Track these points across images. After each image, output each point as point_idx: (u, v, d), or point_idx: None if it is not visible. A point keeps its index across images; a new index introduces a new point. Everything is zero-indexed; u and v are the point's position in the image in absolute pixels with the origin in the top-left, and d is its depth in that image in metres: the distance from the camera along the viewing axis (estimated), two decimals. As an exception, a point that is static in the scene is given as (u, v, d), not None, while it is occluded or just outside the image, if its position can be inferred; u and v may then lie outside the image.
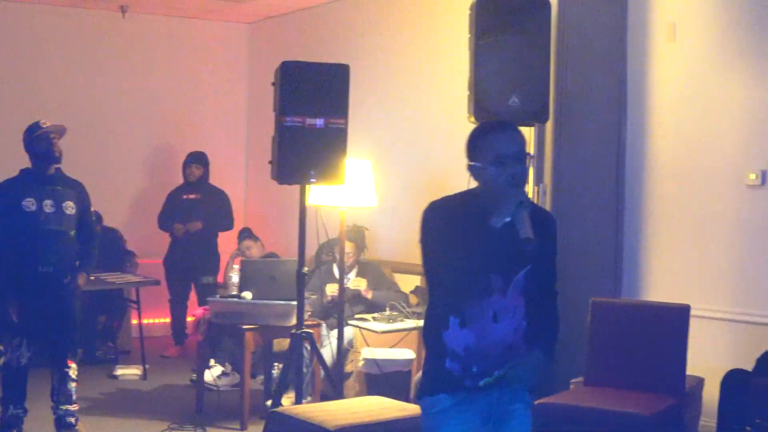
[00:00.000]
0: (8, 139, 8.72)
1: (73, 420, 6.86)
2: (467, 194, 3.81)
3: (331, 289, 8.03)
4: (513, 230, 3.57)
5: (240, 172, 11.93)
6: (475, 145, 3.72)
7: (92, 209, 7.09)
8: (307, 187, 6.62)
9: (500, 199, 3.62)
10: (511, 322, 3.74)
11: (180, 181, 10.47)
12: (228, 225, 10.27)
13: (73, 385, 6.83)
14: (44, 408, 7.03)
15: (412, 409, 5.72)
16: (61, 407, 6.84)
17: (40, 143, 6.78)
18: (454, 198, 3.84)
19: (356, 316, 7.84)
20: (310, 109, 6.45)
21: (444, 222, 3.73)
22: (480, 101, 6.62)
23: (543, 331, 3.82)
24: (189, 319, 10.18)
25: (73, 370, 6.83)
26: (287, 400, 7.16)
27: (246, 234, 9.72)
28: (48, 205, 6.73)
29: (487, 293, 3.70)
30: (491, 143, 3.64)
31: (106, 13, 11.12)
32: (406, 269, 8.74)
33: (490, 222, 3.62)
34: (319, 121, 6.46)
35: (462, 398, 3.76)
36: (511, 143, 3.64)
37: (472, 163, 3.71)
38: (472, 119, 6.64)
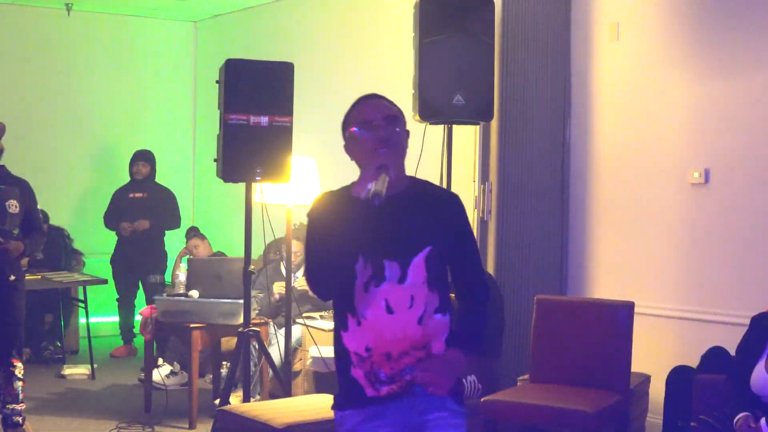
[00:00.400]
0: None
1: (20, 419, 6.82)
2: (351, 183, 3.54)
3: (279, 288, 8.03)
4: (398, 210, 3.40)
5: (187, 171, 11.91)
6: (346, 119, 3.62)
7: (38, 208, 7.03)
8: (252, 185, 6.62)
9: (364, 168, 3.45)
10: (410, 312, 3.40)
11: (126, 179, 10.43)
12: (175, 224, 10.25)
13: (19, 384, 6.79)
14: (-10, 407, 7.00)
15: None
16: (7, 406, 6.80)
17: None
18: (339, 189, 3.59)
19: (304, 314, 7.84)
20: (255, 107, 6.46)
21: (327, 212, 3.46)
22: (425, 100, 6.65)
23: (463, 327, 3.53)
24: (137, 318, 10.16)
25: (18, 369, 6.79)
26: (235, 399, 7.16)
27: (193, 233, 9.71)
28: (12, 206, 6.68)
29: (376, 282, 3.40)
30: (360, 111, 3.56)
31: (51, 10, 11.06)
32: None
33: (368, 203, 3.31)
34: (264, 119, 6.46)
35: (370, 412, 3.46)
36: (377, 109, 3.53)
37: (346, 134, 3.57)
38: (417, 118, 6.68)
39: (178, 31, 12.02)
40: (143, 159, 10.35)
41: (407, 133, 3.55)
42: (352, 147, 3.56)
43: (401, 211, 3.44)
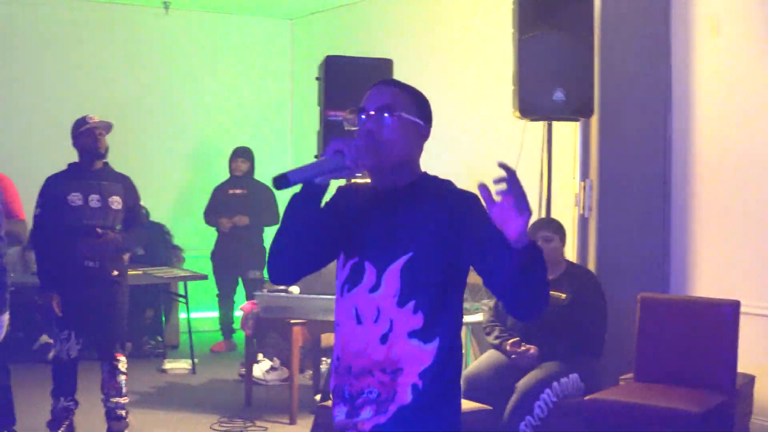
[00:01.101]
0: (54, 133, 8.84)
1: (123, 413, 6.91)
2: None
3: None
4: (390, 207, 3.10)
5: (284, 167, 11.92)
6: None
7: (141, 203, 7.10)
8: (353, 181, 6.62)
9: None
10: (374, 327, 3.01)
11: (225, 176, 10.51)
12: (273, 220, 10.28)
13: (122, 378, 6.88)
14: (94, 400, 7.09)
15: (462, 404, 5.73)
16: (111, 400, 6.88)
17: (85, 138, 6.79)
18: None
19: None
20: (355, 104, 6.45)
21: (336, 197, 3.25)
22: (524, 96, 6.63)
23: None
24: (236, 313, 10.27)
25: (122, 363, 6.87)
26: (334, 394, 7.18)
27: None
28: (94, 200, 6.74)
29: (349, 286, 3.09)
30: (365, 96, 3.21)
31: (149, 9, 11.18)
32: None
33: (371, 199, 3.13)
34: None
35: None
36: (374, 99, 3.15)
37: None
38: (517, 114, 6.66)
39: (274, 28, 12.07)
40: (242, 156, 10.41)
41: (410, 122, 3.13)
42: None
43: (393, 209, 3.10)
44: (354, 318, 3.05)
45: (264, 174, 10.62)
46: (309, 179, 3.02)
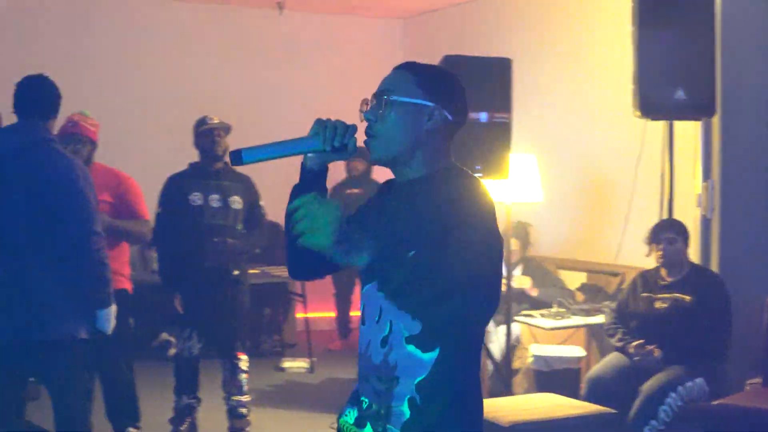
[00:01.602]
0: (173, 133, 8.96)
1: (245, 411, 6.97)
2: None
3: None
4: (400, 200, 2.88)
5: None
6: None
7: (262, 203, 7.12)
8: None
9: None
10: (372, 328, 2.86)
11: (342, 176, 10.56)
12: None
13: (244, 376, 6.94)
14: (216, 398, 7.18)
15: (584, 407, 5.72)
16: (233, 398, 6.94)
17: (203, 139, 6.87)
18: None
19: (521, 312, 7.81)
20: (474, 103, 6.40)
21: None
22: (645, 96, 6.55)
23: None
24: (353, 313, 10.34)
25: (243, 361, 6.93)
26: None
27: None
28: (214, 200, 6.81)
29: (363, 281, 2.92)
30: None
31: (262, 10, 11.28)
32: (571, 266, 8.71)
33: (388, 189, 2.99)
34: (483, 116, 6.46)
35: None
36: (383, 82, 3.00)
37: None
38: (638, 114, 6.58)
39: (387, 28, 12.11)
40: (359, 156, 10.41)
41: (409, 105, 2.89)
42: None
43: (401, 204, 2.88)
44: (362, 316, 2.92)
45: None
46: (268, 157, 2.99)
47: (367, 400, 2.90)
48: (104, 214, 6.10)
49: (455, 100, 2.91)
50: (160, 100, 10.77)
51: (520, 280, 8.05)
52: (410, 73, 2.94)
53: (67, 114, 6.13)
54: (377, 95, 2.94)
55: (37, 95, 5.23)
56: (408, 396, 2.77)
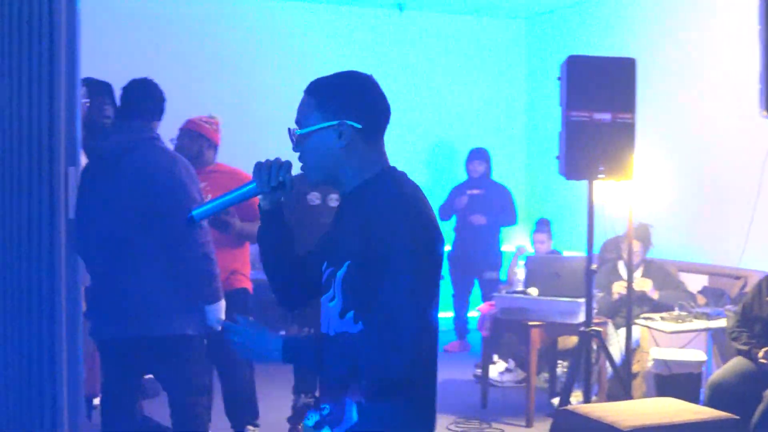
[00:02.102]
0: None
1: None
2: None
3: (618, 287, 7.89)
4: (339, 216, 3.08)
5: (520, 168, 11.88)
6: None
7: None
8: (593, 182, 6.52)
9: None
10: (323, 333, 3.00)
11: (461, 177, 10.49)
12: (511, 220, 10.23)
13: (361, 375, 6.91)
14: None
15: (706, 412, 5.58)
16: (348, 398, 6.92)
17: None
18: None
19: (642, 315, 7.68)
20: (598, 104, 6.36)
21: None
22: (774, 96, 6.37)
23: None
24: (471, 314, 10.26)
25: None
26: (573, 399, 7.09)
27: (544, 226, 9.56)
28: (333, 199, 6.79)
29: (324, 288, 3.04)
30: None
31: (384, 10, 11.28)
32: (693, 269, 8.54)
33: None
34: (607, 116, 6.36)
35: None
36: (297, 112, 3.11)
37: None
38: (765, 113, 6.41)
39: (510, 28, 12.02)
40: (479, 157, 10.37)
41: (313, 134, 2.99)
42: None
43: (339, 217, 3.09)
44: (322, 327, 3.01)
45: (500, 175, 10.59)
46: (216, 210, 3.19)
47: (327, 406, 2.97)
48: (236, 218, 6.15)
49: (360, 104, 2.98)
50: (282, 100, 10.80)
51: (641, 283, 7.90)
52: (310, 96, 3.03)
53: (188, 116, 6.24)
54: (288, 131, 3.04)
55: (142, 97, 5.29)
56: (356, 401, 2.86)
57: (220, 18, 10.80)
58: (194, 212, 3.14)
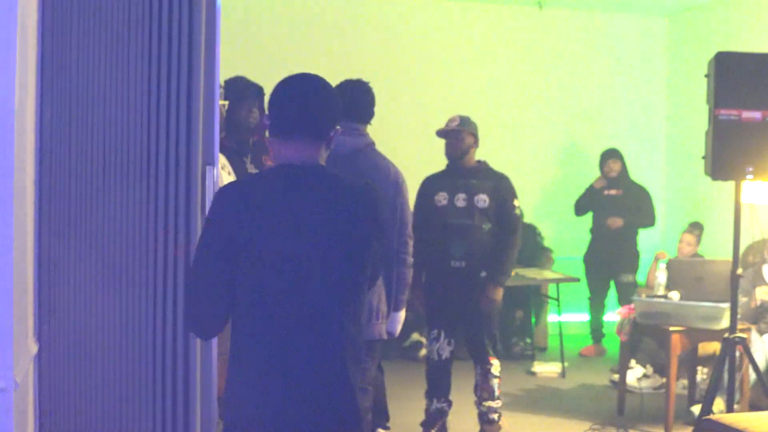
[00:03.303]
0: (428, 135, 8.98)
1: (495, 416, 6.85)
2: None
3: (763, 293, 7.63)
4: None
5: (658, 168, 11.62)
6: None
7: (515, 203, 6.94)
8: (741, 183, 6.29)
9: None
10: None
11: (594, 177, 10.28)
12: (649, 222, 9.97)
13: (495, 381, 6.82)
14: (468, 401, 7.08)
15: None
16: (483, 403, 6.84)
17: (445, 140, 6.92)
18: None
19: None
20: (747, 102, 6.12)
21: None
22: None
23: None
24: (607, 317, 10.06)
25: (494, 366, 6.81)
26: (714, 407, 6.86)
27: (694, 229, 9.31)
28: (460, 199, 6.75)
29: None
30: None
31: (523, 8, 11.14)
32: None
33: None
34: (757, 114, 6.12)
35: None
36: None
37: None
38: None
39: (649, 26, 11.76)
40: (612, 156, 10.12)
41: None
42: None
43: None
44: None
45: (636, 174, 10.36)
46: None
47: None
48: None
49: (271, 106, 3.33)
50: (422, 98, 10.78)
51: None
52: None
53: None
54: None
55: (357, 100, 5.39)
56: None
57: (363, 15, 10.82)
58: None
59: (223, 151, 5.71)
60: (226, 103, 5.97)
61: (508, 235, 6.82)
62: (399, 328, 5.71)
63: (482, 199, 6.75)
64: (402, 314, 5.62)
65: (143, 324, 4.68)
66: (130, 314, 4.61)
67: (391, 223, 5.30)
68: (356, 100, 5.36)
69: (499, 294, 6.77)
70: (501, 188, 6.85)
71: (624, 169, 10.13)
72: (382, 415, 6.64)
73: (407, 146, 10.19)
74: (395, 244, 5.34)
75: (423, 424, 6.93)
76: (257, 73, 6.48)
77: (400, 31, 10.88)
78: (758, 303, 7.64)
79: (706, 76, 6.28)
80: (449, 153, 6.87)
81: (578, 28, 11.53)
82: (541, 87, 11.29)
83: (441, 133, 6.86)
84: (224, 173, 5.42)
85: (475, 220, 6.73)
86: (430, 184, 6.92)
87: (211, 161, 4.94)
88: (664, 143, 11.70)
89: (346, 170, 5.07)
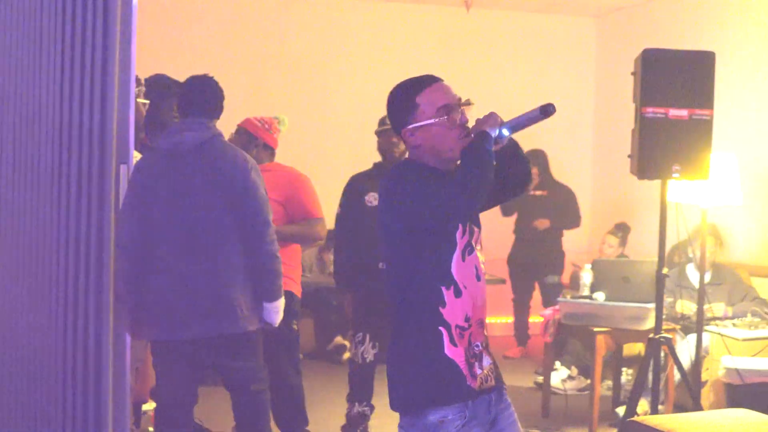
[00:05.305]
0: (360, 133, 8.89)
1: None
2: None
3: (685, 308, 7.67)
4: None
5: (585, 167, 11.61)
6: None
7: None
8: (667, 182, 6.23)
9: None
10: (483, 279, 3.62)
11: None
12: (575, 223, 9.95)
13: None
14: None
15: (786, 426, 5.28)
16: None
17: (382, 140, 6.84)
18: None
19: (711, 322, 7.39)
20: (674, 100, 6.06)
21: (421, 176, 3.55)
22: None
23: None
24: (531, 319, 10.00)
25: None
26: (639, 408, 6.81)
27: (617, 231, 9.27)
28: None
29: (470, 249, 3.57)
30: (435, 94, 3.70)
31: (450, 8, 11.08)
32: (766, 273, 8.23)
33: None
34: (683, 113, 6.06)
35: (470, 412, 3.54)
36: (450, 91, 3.73)
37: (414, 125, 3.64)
38: None
39: (578, 27, 11.76)
40: (530, 159, 10.05)
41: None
42: (423, 137, 3.68)
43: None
44: (475, 276, 3.53)
45: (564, 175, 10.33)
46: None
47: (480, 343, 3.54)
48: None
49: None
50: (347, 99, 10.70)
51: (713, 309, 7.58)
52: None
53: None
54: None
55: (205, 94, 5.28)
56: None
57: (291, 16, 10.74)
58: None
59: (142, 150, 5.61)
60: (147, 102, 5.90)
61: None
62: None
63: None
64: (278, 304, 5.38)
65: (53, 321, 4.63)
66: (42, 311, 4.57)
67: (255, 210, 5.20)
68: (201, 95, 5.27)
69: None
70: None
71: (546, 171, 10.07)
72: (301, 419, 6.50)
73: (336, 146, 10.13)
74: (266, 233, 5.22)
75: (344, 428, 6.83)
76: (179, 71, 6.35)
77: (324, 31, 10.83)
78: (679, 316, 7.66)
79: (633, 73, 6.21)
80: (387, 151, 6.78)
81: (506, 28, 11.51)
82: (468, 88, 11.20)
83: (386, 129, 6.74)
84: None
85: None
86: (360, 185, 6.80)
87: (125, 160, 4.93)
88: (592, 143, 11.70)
89: (194, 162, 5.10)
